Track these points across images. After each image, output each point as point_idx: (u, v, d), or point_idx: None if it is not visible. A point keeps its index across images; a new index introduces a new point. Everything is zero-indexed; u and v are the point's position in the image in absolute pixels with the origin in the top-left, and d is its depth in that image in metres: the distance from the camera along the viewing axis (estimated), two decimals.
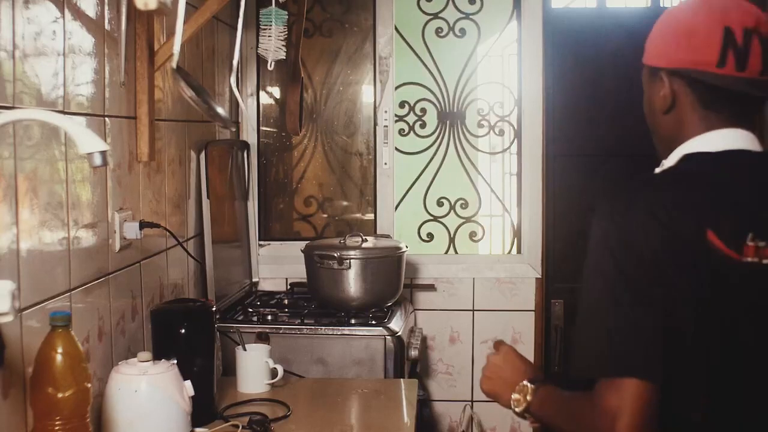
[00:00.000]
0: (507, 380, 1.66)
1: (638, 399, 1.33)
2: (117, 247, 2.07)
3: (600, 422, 1.36)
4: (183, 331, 2.08)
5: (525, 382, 1.61)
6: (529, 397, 1.60)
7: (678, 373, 1.36)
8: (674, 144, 1.51)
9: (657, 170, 1.52)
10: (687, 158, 1.47)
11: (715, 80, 1.43)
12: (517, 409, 1.62)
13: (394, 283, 2.97)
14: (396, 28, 3.53)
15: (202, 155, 2.78)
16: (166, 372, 1.91)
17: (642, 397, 1.34)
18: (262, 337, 2.53)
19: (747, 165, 1.46)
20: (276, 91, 3.62)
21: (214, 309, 2.19)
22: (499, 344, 1.74)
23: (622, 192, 1.44)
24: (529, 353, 3.42)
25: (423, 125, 3.58)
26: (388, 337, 2.72)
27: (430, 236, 3.58)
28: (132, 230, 2.12)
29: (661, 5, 3.76)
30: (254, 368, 2.39)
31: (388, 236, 3.33)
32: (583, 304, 1.43)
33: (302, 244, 3.06)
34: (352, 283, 2.87)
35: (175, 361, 1.97)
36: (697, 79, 1.45)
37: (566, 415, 1.49)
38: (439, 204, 3.59)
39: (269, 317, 2.88)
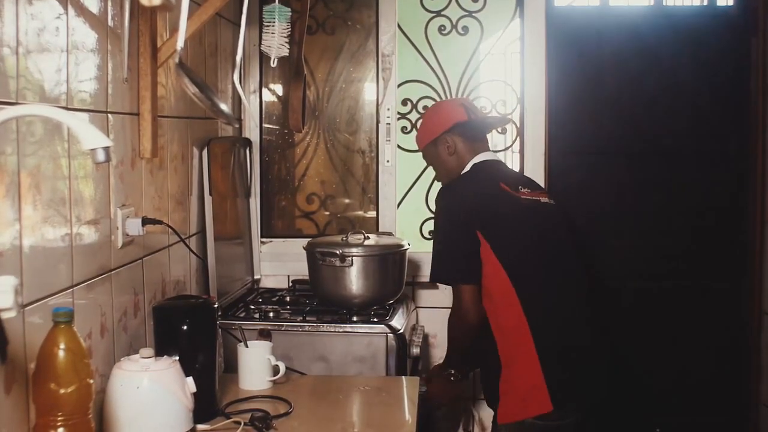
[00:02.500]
0: (450, 392, 2.82)
1: (467, 296, 2.54)
2: (119, 243, 2.07)
3: (451, 317, 2.64)
4: (185, 327, 2.08)
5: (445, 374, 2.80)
6: (453, 379, 2.77)
7: (491, 271, 2.53)
8: (458, 170, 2.74)
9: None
10: (474, 166, 2.72)
11: (470, 123, 2.75)
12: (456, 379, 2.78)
13: (396, 280, 2.97)
14: (399, 26, 3.53)
15: (205, 152, 2.78)
16: (168, 368, 1.91)
17: (468, 294, 2.54)
18: (264, 334, 2.53)
19: (501, 165, 2.83)
20: (279, 89, 3.62)
21: (216, 306, 2.19)
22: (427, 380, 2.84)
23: (452, 184, 2.73)
24: None
25: None
26: (390, 334, 2.72)
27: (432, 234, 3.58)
28: (134, 227, 2.12)
29: (664, 3, 3.75)
30: (256, 365, 2.39)
31: (390, 234, 3.33)
32: (434, 245, 2.63)
33: (304, 241, 3.07)
34: (354, 280, 2.87)
35: (177, 358, 1.97)
36: (463, 126, 2.74)
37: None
38: None
39: (271, 314, 2.88)
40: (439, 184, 2.86)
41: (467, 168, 2.74)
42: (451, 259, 2.59)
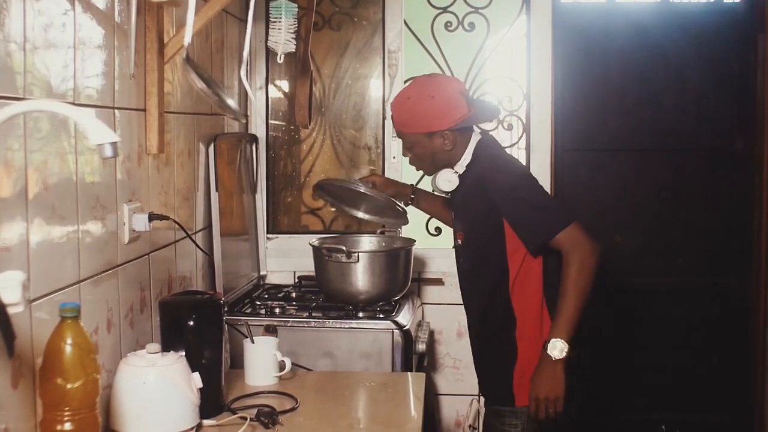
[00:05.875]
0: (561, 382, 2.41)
1: (582, 231, 2.40)
2: (126, 239, 2.08)
3: (575, 264, 2.37)
4: (191, 323, 2.08)
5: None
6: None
7: None
8: (449, 163, 2.58)
9: (458, 167, 2.58)
10: (481, 148, 2.57)
11: (469, 121, 2.55)
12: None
13: (401, 276, 2.97)
14: (405, 22, 3.53)
15: (211, 148, 2.78)
16: (175, 364, 1.91)
17: (583, 230, 2.40)
18: (270, 330, 2.53)
19: (495, 140, 2.74)
20: (285, 85, 3.62)
21: (222, 301, 2.19)
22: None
23: (498, 159, 2.59)
24: None
25: None
26: (396, 330, 2.72)
27: (438, 230, 3.58)
28: (141, 222, 2.12)
29: (671, 0, 3.74)
30: (262, 361, 2.39)
31: (396, 230, 3.33)
32: (520, 204, 2.46)
33: (310, 237, 3.07)
34: (360, 276, 2.87)
35: (184, 353, 1.98)
36: (465, 122, 2.53)
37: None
38: None
39: (277, 310, 2.89)
40: None
41: (470, 152, 2.56)
42: (553, 207, 2.51)
